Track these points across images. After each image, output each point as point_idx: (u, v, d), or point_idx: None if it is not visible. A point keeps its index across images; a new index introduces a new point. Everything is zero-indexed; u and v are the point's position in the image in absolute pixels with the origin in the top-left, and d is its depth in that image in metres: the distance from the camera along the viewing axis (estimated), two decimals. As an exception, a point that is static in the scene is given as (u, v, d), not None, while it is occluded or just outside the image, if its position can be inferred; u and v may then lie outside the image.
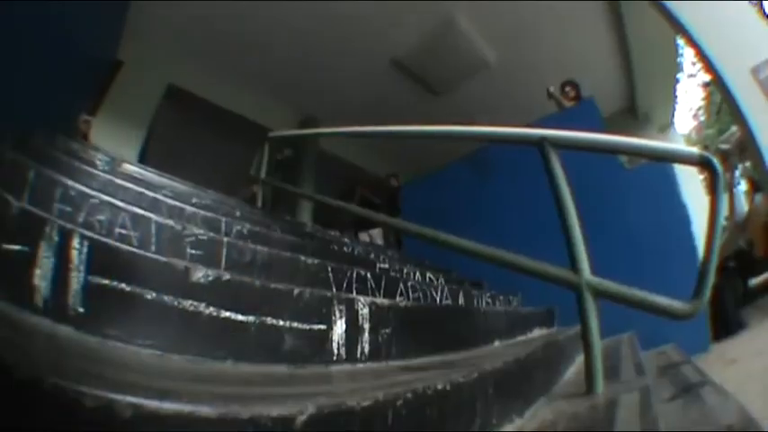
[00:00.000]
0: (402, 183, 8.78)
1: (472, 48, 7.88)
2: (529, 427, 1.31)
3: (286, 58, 7.91)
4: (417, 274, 3.47)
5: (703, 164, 1.55)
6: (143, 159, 6.40)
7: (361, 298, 1.63)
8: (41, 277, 0.91)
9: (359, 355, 1.53)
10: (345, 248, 3.89)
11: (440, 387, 0.99)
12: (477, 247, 2.02)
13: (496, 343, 2.40)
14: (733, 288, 6.00)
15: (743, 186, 7.73)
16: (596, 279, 1.58)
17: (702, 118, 23.57)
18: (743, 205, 7.51)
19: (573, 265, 1.62)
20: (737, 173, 7.63)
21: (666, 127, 11.68)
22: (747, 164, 7.18)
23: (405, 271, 3.41)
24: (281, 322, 1.35)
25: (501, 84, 8.59)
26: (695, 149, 1.65)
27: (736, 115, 5.47)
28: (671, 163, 1.63)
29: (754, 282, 6.49)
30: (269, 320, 1.33)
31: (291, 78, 8.40)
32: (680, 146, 1.97)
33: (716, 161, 1.53)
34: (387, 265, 3.40)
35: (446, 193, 6.45)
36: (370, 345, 1.58)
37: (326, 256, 2.62)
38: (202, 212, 2.36)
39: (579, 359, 1.90)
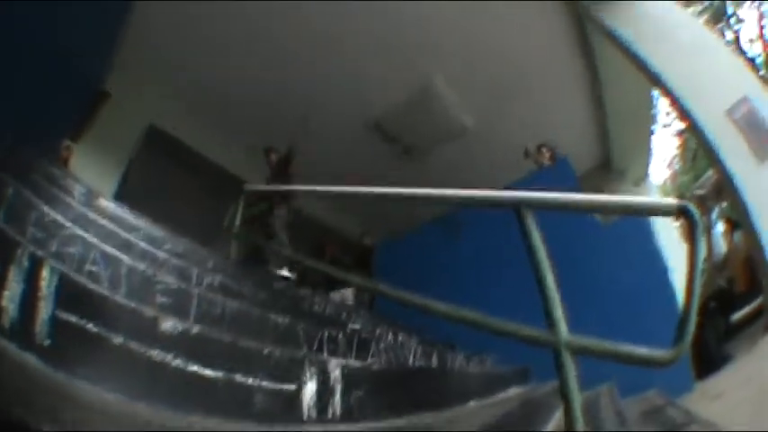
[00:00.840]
0: (374, 242, 8.78)
1: (449, 112, 8.11)
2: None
3: (266, 113, 8.00)
4: (390, 334, 3.41)
5: (682, 214, 1.57)
6: (119, 196, 6.27)
7: (333, 359, 1.62)
8: (9, 299, 0.87)
9: (330, 416, 1.48)
10: (317, 307, 3.83)
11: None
12: (451, 310, 1.99)
13: (472, 403, 2.35)
14: (714, 327, 6.08)
15: (720, 227, 7.96)
16: (573, 337, 1.58)
17: (677, 166, 24.50)
18: (720, 246, 7.70)
19: (550, 324, 1.61)
20: (714, 215, 7.87)
21: (641, 179, 11.91)
22: (724, 205, 7.38)
23: (377, 332, 3.35)
24: (251, 380, 1.32)
25: (477, 146, 8.77)
26: (672, 201, 1.68)
27: (713, 158, 5.62)
28: (649, 216, 1.65)
29: (737, 316, 6.58)
30: (238, 377, 1.29)
31: (270, 133, 8.47)
32: (656, 199, 1.99)
33: (694, 210, 1.55)
34: (358, 326, 3.34)
35: (420, 253, 6.47)
36: (341, 406, 1.54)
37: (298, 314, 2.57)
38: (174, 260, 2.30)
39: (559, 413, 1.86)
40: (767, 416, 2.81)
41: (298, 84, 7.46)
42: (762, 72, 20.64)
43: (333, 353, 2.12)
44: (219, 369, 1.24)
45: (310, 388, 1.44)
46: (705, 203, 7.45)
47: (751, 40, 21.56)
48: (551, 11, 6.83)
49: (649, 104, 9.34)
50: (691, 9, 20.04)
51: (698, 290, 1.48)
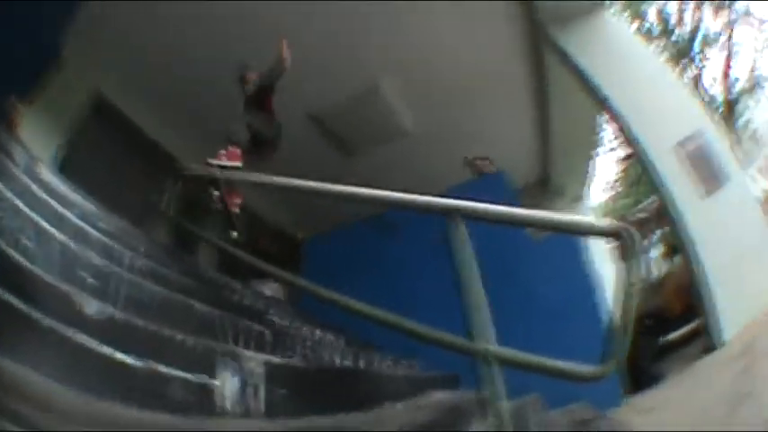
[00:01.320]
0: (306, 236, 8.71)
1: (392, 114, 8.14)
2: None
3: (211, 96, 7.79)
4: (316, 332, 3.41)
5: (617, 236, 1.65)
6: (60, 166, 5.92)
7: (256, 355, 1.61)
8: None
9: (251, 413, 1.47)
10: (245, 300, 3.78)
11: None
12: (376, 312, 2.02)
13: (398, 406, 2.34)
14: (648, 345, 6.34)
15: (659, 249, 8.32)
16: (499, 348, 1.62)
17: (619, 189, 25.64)
18: (657, 266, 8.04)
19: (473, 334, 1.65)
20: (655, 238, 8.25)
21: (579, 199, 12.41)
22: (666, 229, 7.63)
23: (303, 328, 3.35)
24: (172, 371, 1.30)
25: (417, 150, 8.80)
26: (609, 222, 1.80)
27: (657, 186, 5.92)
28: (585, 236, 1.66)
29: (671, 337, 6.94)
30: (159, 367, 1.27)
31: (213, 118, 8.25)
32: (594, 219, 2.03)
33: (629, 233, 1.64)
34: (285, 322, 3.32)
35: (352, 250, 6.46)
36: (263, 402, 1.52)
37: (224, 305, 2.53)
38: (106, 240, 2.22)
39: (485, 421, 1.90)
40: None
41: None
42: (721, 111, 22.17)
43: (257, 347, 2.09)
44: (141, 357, 1.21)
45: (232, 382, 1.43)
46: (645, 226, 7.83)
47: (714, 79, 22.98)
48: (507, 25, 7.03)
49: (595, 128, 9.71)
50: (654, 44, 21.26)
51: (630, 311, 1.57)
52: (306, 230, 9.24)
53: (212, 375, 1.39)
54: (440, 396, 3.02)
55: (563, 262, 5.37)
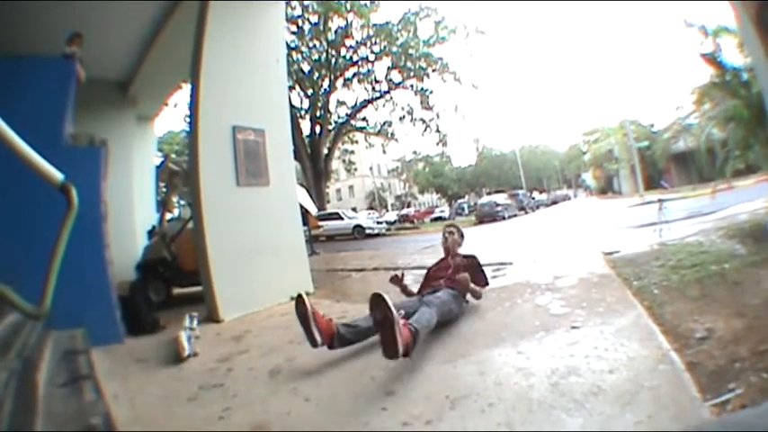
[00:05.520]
0: None
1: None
2: None
3: None
4: None
5: (62, 190, 1.67)
6: None
7: None
8: None
9: None
10: None
11: None
12: None
13: None
14: (152, 290, 6.73)
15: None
16: None
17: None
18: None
19: None
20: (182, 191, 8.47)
21: (147, 120, 12.46)
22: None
23: None
24: None
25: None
26: (59, 176, 1.72)
27: (193, 154, 5.91)
28: (43, 179, 1.64)
29: (180, 291, 7.26)
30: None
31: None
32: (50, 168, 1.94)
33: (73, 194, 1.69)
34: None
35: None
36: None
37: None
38: None
39: None
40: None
41: None
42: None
43: None
44: None
45: None
46: (177, 177, 7.91)
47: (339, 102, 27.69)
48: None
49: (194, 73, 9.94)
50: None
51: (59, 259, 1.60)
52: None
53: None
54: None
55: (84, 173, 4.58)
